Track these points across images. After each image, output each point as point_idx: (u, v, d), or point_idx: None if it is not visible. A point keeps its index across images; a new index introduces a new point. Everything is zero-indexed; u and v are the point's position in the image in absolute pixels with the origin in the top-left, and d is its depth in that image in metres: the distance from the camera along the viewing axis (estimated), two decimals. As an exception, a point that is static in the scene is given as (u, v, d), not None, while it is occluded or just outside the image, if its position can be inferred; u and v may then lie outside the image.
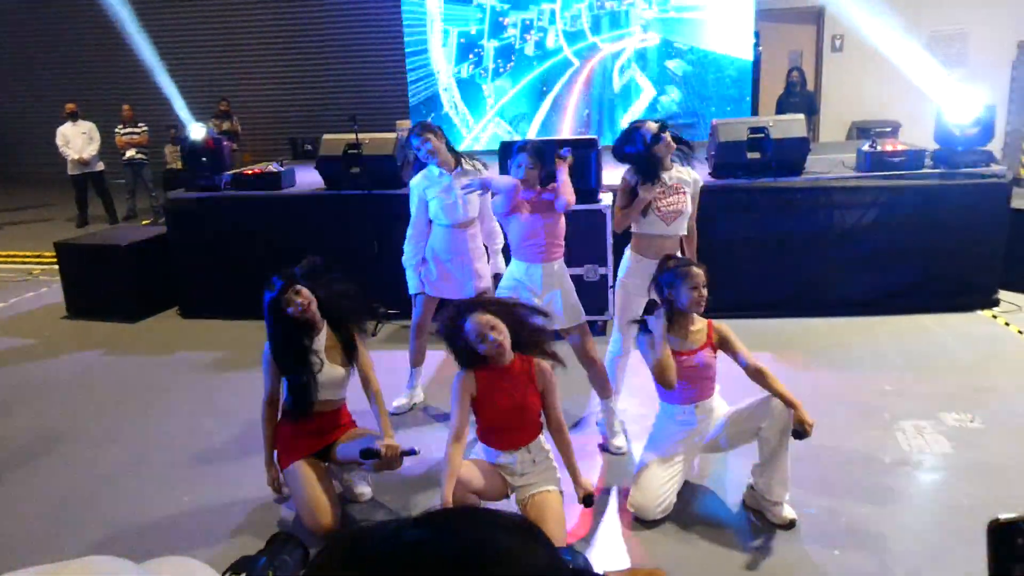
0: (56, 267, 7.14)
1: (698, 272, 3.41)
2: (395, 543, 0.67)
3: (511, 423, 3.21)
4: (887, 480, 3.68)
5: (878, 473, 3.74)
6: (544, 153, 4.03)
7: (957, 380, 4.74)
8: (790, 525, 3.32)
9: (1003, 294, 6.03)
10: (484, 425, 3.27)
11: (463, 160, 4.51)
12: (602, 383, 4.13)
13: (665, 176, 3.99)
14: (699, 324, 3.50)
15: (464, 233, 4.47)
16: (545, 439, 3.33)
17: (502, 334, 3.08)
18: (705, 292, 3.40)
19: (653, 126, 3.96)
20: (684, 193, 4.02)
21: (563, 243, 4.05)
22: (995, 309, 5.92)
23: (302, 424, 3.55)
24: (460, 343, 3.13)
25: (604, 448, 4.11)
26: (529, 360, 3.22)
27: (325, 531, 3.38)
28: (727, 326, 3.52)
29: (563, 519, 3.23)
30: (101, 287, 6.79)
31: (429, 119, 4.54)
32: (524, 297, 3.78)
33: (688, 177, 4.07)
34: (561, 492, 3.30)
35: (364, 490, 3.77)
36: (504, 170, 5.63)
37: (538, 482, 3.24)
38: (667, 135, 3.94)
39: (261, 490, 3.84)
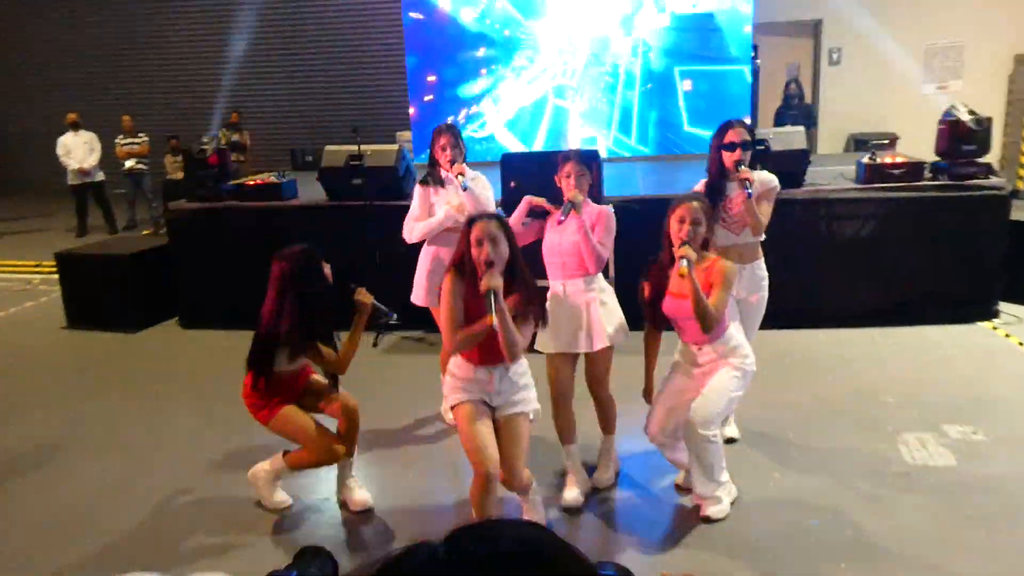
0: (56, 277, 7.13)
1: (687, 206, 3.34)
2: (457, 558, 0.71)
3: (487, 338, 3.08)
4: (892, 492, 3.68)
5: (882, 485, 3.74)
6: (590, 159, 3.74)
7: (959, 392, 4.74)
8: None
9: (1003, 306, 6.04)
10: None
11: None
12: (608, 417, 3.85)
13: (730, 186, 3.91)
14: (706, 264, 3.36)
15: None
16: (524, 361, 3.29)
17: (498, 253, 3.03)
18: (693, 228, 3.29)
19: (734, 133, 3.85)
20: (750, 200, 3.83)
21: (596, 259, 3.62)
22: (995, 321, 5.93)
23: (276, 384, 3.61)
24: (464, 244, 3.12)
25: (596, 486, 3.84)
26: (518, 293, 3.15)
27: (338, 454, 3.61)
28: (727, 270, 3.34)
29: (527, 444, 3.24)
30: (101, 297, 6.78)
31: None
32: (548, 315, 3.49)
33: (757, 183, 3.86)
34: (532, 420, 3.28)
35: (364, 497, 3.78)
36: (513, 182, 5.61)
37: (515, 402, 3.22)
38: (738, 151, 3.81)
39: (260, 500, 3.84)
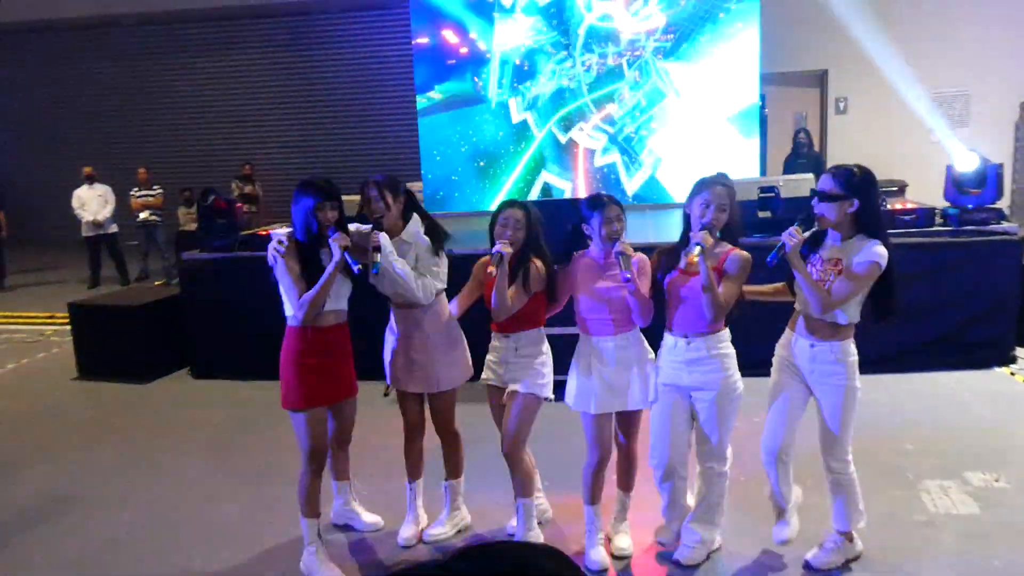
0: (67, 328, 7.15)
1: (713, 190, 3.25)
2: (439, 571, 0.72)
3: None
4: (915, 542, 3.60)
5: (905, 535, 3.66)
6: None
7: (979, 439, 4.67)
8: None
9: (1019, 351, 5.98)
10: (489, 307, 3.54)
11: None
12: (629, 475, 3.68)
13: (827, 247, 3.27)
14: (721, 247, 3.29)
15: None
16: (542, 341, 3.61)
17: (519, 235, 3.47)
18: (717, 214, 3.22)
19: (822, 179, 3.25)
20: (838, 269, 3.21)
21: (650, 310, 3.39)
22: (1012, 367, 5.86)
23: (316, 345, 3.45)
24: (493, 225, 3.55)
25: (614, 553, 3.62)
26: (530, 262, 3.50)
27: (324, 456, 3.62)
28: (742, 259, 3.27)
29: (522, 421, 3.56)
30: (113, 348, 6.79)
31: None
32: (596, 373, 3.42)
33: (852, 252, 3.20)
34: (537, 398, 3.55)
35: (374, 518, 3.96)
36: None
37: (518, 378, 3.54)
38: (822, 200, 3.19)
39: (273, 553, 3.78)
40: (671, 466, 3.43)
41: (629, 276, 3.20)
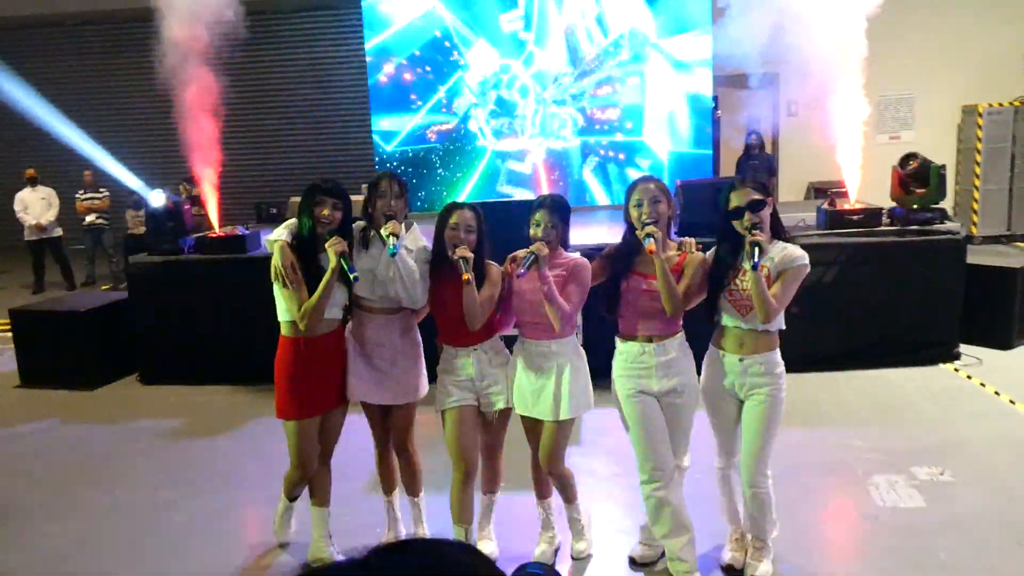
0: (9, 335, 6.93)
1: (642, 187, 3.22)
2: (356, 570, 0.72)
3: (461, 315, 3.34)
4: (863, 536, 3.67)
5: (854, 529, 3.73)
6: (562, 208, 3.40)
7: (925, 434, 4.78)
8: None
9: (963, 348, 6.13)
10: (439, 319, 3.50)
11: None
12: (565, 489, 3.55)
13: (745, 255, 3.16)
14: (672, 249, 3.26)
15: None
16: (500, 343, 3.53)
17: (471, 238, 3.35)
18: (653, 208, 3.16)
19: (738, 196, 3.15)
20: (766, 276, 3.13)
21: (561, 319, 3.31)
22: (956, 363, 6.01)
23: (307, 354, 3.38)
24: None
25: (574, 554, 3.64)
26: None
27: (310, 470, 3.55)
28: (694, 259, 3.23)
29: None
30: (58, 354, 6.59)
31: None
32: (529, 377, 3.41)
33: (776, 257, 3.16)
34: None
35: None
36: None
37: (499, 391, 3.45)
38: (747, 215, 3.11)
39: (225, 564, 3.71)
40: (668, 473, 3.23)
41: (522, 273, 3.23)
